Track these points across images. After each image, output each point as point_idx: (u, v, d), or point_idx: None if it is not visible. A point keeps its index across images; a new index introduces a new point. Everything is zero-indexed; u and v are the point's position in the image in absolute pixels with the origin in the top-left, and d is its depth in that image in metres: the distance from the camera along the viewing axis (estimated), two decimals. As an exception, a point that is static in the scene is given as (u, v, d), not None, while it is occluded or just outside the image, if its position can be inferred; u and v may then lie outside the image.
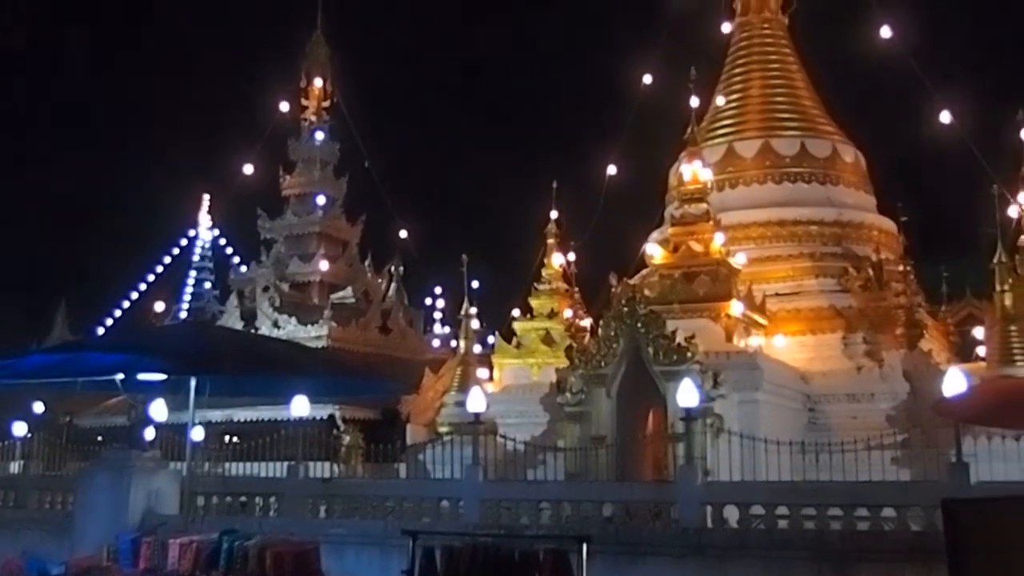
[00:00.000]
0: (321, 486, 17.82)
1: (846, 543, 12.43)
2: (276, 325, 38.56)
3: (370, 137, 45.33)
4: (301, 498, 17.37)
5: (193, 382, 12.40)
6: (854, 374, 23.90)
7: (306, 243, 43.35)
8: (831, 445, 16.88)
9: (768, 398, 21.72)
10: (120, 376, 11.60)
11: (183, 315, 49.23)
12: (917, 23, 32.00)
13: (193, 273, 52.96)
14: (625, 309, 21.40)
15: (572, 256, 29.41)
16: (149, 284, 52.26)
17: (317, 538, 11.17)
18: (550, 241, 28.60)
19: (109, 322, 49.72)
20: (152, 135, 55.29)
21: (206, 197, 53.72)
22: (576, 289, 28.91)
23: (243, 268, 44.97)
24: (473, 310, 30.03)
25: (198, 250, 53.86)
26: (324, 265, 42.16)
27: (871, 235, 28.18)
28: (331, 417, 31.70)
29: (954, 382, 13.08)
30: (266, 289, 40.64)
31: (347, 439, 28.08)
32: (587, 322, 27.00)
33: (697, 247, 24.27)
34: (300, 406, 16.49)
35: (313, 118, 45.68)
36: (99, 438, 29.01)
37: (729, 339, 22.73)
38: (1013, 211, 25.91)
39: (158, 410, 14.52)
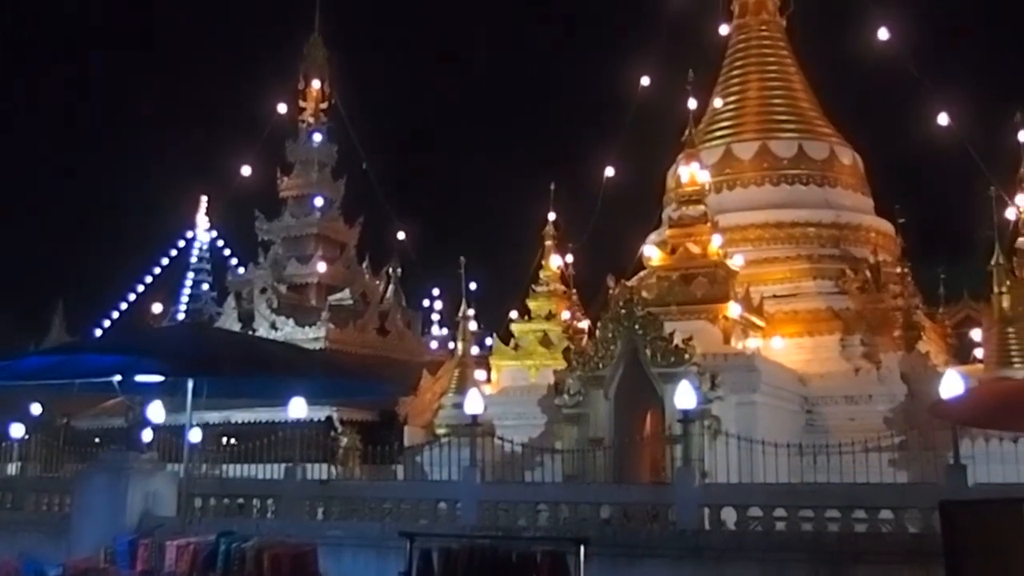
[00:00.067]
0: (319, 488, 17.83)
1: (844, 545, 12.43)
2: (274, 327, 38.54)
3: (368, 139, 45.42)
4: (299, 500, 17.38)
5: (191, 384, 12.38)
6: (852, 376, 23.91)
7: (304, 245, 43.34)
8: (829, 447, 16.89)
9: (766, 400, 21.72)
10: (118, 378, 11.58)
11: (181, 317, 49.19)
12: (915, 25, 32.10)
13: (191, 275, 52.93)
14: (623, 311, 21.39)
15: (570, 258, 29.42)
16: (147, 285, 52.23)
17: (314, 540, 11.17)
18: (548, 243, 28.61)
19: (107, 323, 49.71)
20: (150, 136, 55.23)
21: (204, 198, 53.76)
22: (574, 291, 28.91)
23: (241, 270, 44.92)
24: (471, 312, 30.00)
25: (196, 252, 53.85)
26: (322, 267, 42.15)
27: (869, 237, 28.21)
28: (329, 419, 31.69)
29: (952, 384, 13.08)
30: (264, 291, 40.60)
31: (345, 441, 28.03)
32: (585, 324, 27.00)
33: (695, 249, 24.28)
34: (298, 408, 16.48)
35: (311, 120, 45.67)
36: (96, 440, 28.95)
37: (727, 341, 22.74)
38: (1011, 213, 25.94)
39: (155, 412, 14.51)
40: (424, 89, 65.72)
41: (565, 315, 27.82)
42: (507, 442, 18.99)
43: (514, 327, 28.10)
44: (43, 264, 51.61)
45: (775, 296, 25.97)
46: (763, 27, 32.05)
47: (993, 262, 23.36)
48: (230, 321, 39.73)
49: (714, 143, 29.80)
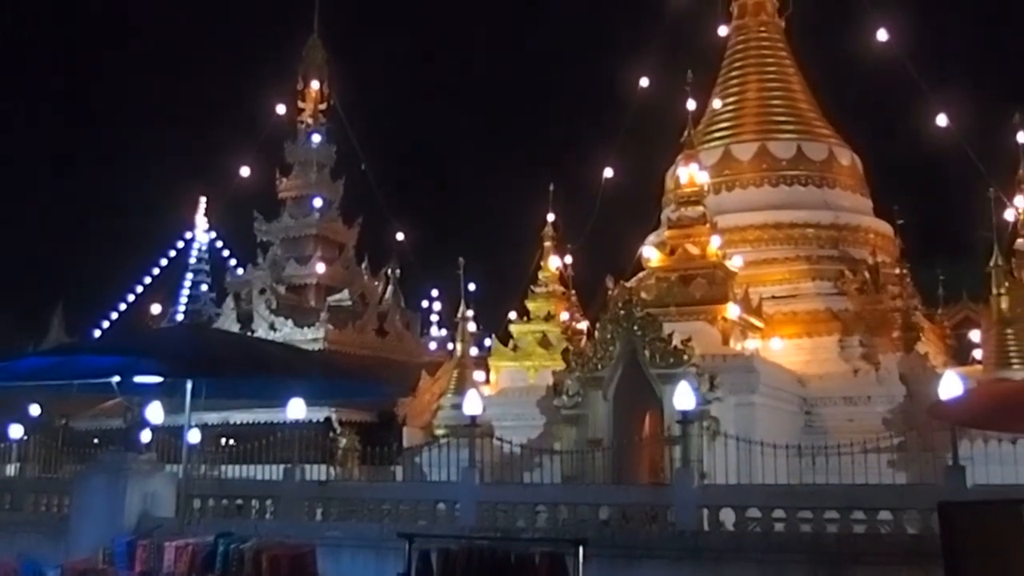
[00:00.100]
0: (317, 489, 17.84)
1: (842, 546, 12.44)
2: (272, 327, 38.51)
3: (367, 140, 45.40)
4: (297, 501, 17.37)
5: (189, 385, 12.38)
6: (850, 377, 23.90)
7: (303, 246, 43.33)
8: (827, 448, 16.89)
9: (764, 401, 21.73)
10: (116, 378, 11.58)
11: (179, 317, 49.20)
12: (913, 26, 32.10)
13: (189, 275, 52.95)
14: (622, 312, 21.40)
15: (569, 259, 29.42)
16: (146, 286, 52.27)
17: (313, 541, 11.17)
18: (547, 244, 28.62)
19: (106, 324, 49.73)
20: (149, 137, 55.20)
21: (203, 199, 53.82)
22: (573, 292, 28.92)
23: (239, 271, 44.90)
24: (470, 313, 30.02)
25: (194, 252, 53.88)
26: (321, 268, 42.15)
27: (868, 238, 28.21)
28: (327, 420, 31.66)
29: (950, 385, 13.09)
30: (262, 291, 40.58)
31: (343, 442, 28.04)
32: (583, 325, 26.99)
33: (693, 250, 24.28)
34: (296, 409, 16.47)
35: (310, 121, 45.67)
36: (95, 440, 28.91)
37: (725, 342, 22.74)
38: (1009, 214, 25.94)
39: (154, 412, 14.50)
40: (423, 90, 65.75)
41: (564, 316, 27.83)
42: (506, 443, 18.99)
43: (513, 328, 28.10)
44: (42, 265, 51.68)
45: (774, 297, 25.96)
46: (762, 28, 32.05)
47: (992, 263, 23.39)
48: (229, 322, 39.71)
49: (713, 144, 29.80)
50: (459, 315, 29.58)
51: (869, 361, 24.10)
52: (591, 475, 19.09)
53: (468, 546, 9.56)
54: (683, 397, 15.80)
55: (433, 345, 45.01)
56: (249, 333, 36.40)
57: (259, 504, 17.92)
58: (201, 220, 53.91)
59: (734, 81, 31.44)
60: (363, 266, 44.45)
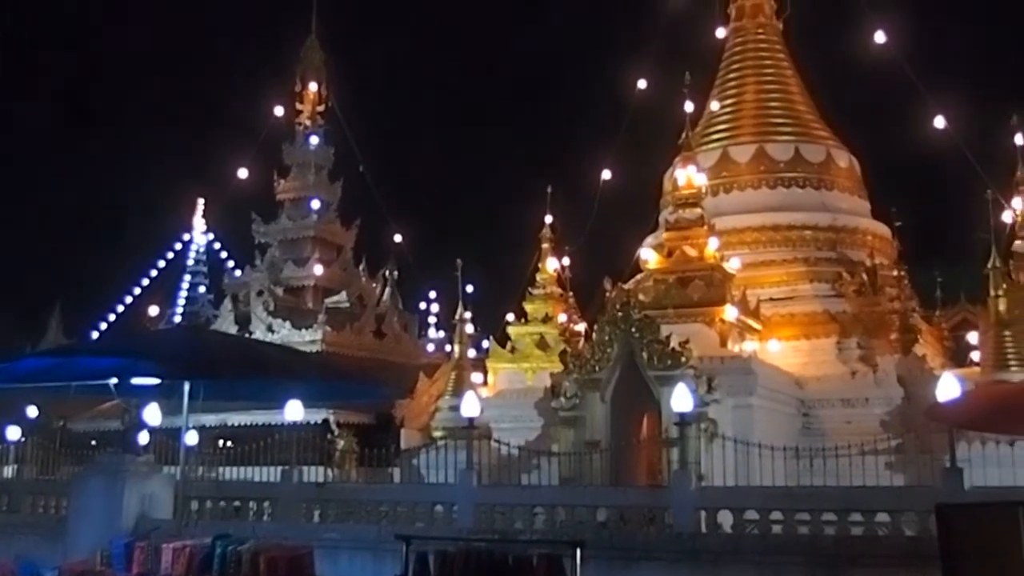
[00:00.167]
0: (315, 491, 17.81)
1: (840, 548, 12.44)
2: (270, 329, 38.53)
3: (365, 141, 45.44)
4: (295, 503, 17.35)
5: (187, 386, 12.37)
6: (848, 379, 23.92)
7: (301, 247, 43.33)
8: (825, 450, 16.90)
9: (762, 403, 21.73)
10: (114, 380, 11.56)
11: (177, 319, 49.22)
12: (911, 28, 32.14)
13: (187, 277, 52.98)
14: (619, 314, 21.41)
15: (566, 260, 29.44)
16: (143, 288, 52.34)
17: (311, 543, 11.14)
18: (545, 245, 28.64)
19: (103, 326, 49.78)
20: (147, 138, 55.20)
21: (201, 201, 53.86)
22: (570, 293, 28.95)
23: (237, 272, 44.92)
24: (467, 314, 30.00)
25: (192, 254, 53.90)
26: (319, 269, 42.17)
27: (865, 240, 28.22)
28: (325, 421, 31.65)
29: (948, 387, 13.07)
30: (260, 293, 40.60)
31: (341, 443, 28.04)
32: (581, 327, 27.01)
33: (691, 252, 24.28)
34: (294, 410, 16.47)
35: (308, 122, 45.68)
36: (93, 442, 28.88)
37: (723, 344, 22.74)
38: (1007, 216, 25.98)
39: (152, 414, 14.50)
40: (420, 91, 65.77)
41: (562, 318, 27.84)
42: (503, 445, 18.98)
43: (511, 330, 28.10)
44: (40, 266, 51.62)
45: (772, 299, 25.96)
46: (760, 30, 32.05)
47: (990, 265, 23.42)
48: (226, 324, 39.73)
49: (711, 146, 29.81)
50: (457, 317, 29.56)
51: (867, 363, 24.11)
52: (589, 477, 19.09)
53: (466, 548, 9.55)
54: (681, 399, 15.80)
55: (431, 347, 45.06)
56: (247, 335, 36.43)
57: (257, 506, 17.90)
58: (199, 222, 53.95)
59: (732, 83, 31.45)
60: (361, 268, 44.47)
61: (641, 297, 23.06)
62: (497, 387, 27.09)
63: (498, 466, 19.40)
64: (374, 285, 44.65)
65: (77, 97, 62.10)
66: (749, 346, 23.74)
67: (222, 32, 60.78)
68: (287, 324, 38.65)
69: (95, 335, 46.67)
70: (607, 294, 23.99)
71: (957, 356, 27.32)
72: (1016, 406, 10.84)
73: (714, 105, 31.11)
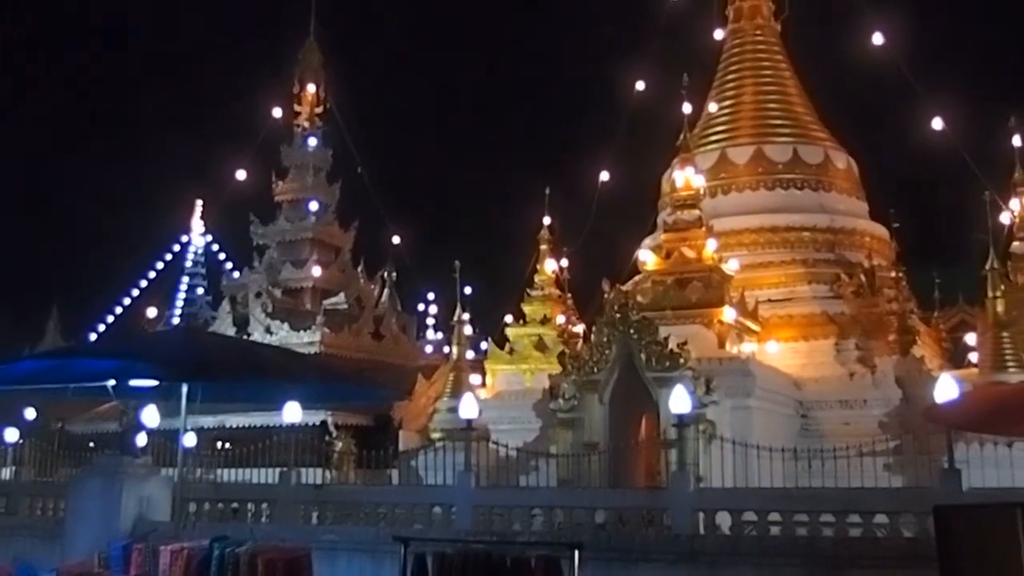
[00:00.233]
0: (313, 492, 17.80)
1: (838, 549, 12.45)
2: (269, 331, 38.51)
3: (363, 143, 45.44)
4: (293, 504, 17.34)
5: (185, 388, 12.36)
6: (846, 380, 23.93)
7: (299, 249, 43.32)
8: (823, 451, 16.90)
9: (761, 404, 21.72)
10: (112, 382, 11.55)
11: (175, 321, 49.22)
12: (909, 30, 32.14)
13: (186, 279, 52.98)
14: (618, 315, 21.40)
15: (565, 262, 29.43)
16: (142, 290, 52.31)
17: (309, 545, 11.13)
18: (543, 247, 28.63)
19: (101, 328, 49.73)
20: (145, 140, 55.27)
21: (199, 203, 53.86)
22: (569, 295, 28.95)
23: (236, 274, 44.92)
24: (466, 316, 29.97)
25: (191, 256, 53.90)
26: (317, 271, 42.16)
27: (863, 241, 28.21)
28: (323, 423, 31.61)
29: (946, 388, 13.09)
30: (259, 295, 40.61)
31: (339, 445, 28.00)
32: (580, 328, 27.02)
33: (690, 253, 24.27)
34: (292, 412, 16.45)
35: (306, 124, 45.68)
36: (91, 444, 28.85)
37: (722, 345, 22.73)
38: (1005, 217, 25.99)
39: (150, 416, 14.50)
40: (419, 93, 65.78)
41: (560, 319, 27.83)
42: (502, 446, 18.96)
43: (509, 331, 28.09)
44: (38, 268, 51.64)
45: (770, 300, 25.95)
46: (758, 32, 32.05)
47: (988, 266, 23.40)
48: (225, 325, 39.74)
49: (709, 147, 29.79)
50: (455, 318, 29.53)
51: (865, 364, 24.12)
52: (587, 478, 19.08)
53: (464, 550, 9.55)
54: (679, 400, 15.79)
55: (429, 348, 45.09)
56: (245, 337, 36.41)
57: (255, 508, 17.89)
58: (197, 223, 53.96)
59: (730, 84, 31.45)
60: (359, 269, 44.47)
61: (639, 298, 23.05)
62: (495, 389, 27.08)
63: (496, 468, 19.39)
64: (372, 287, 44.66)
65: (76, 99, 62.16)
66: (747, 347, 23.74)
67: (221, 33, 60.83)
68: (285, 326, 38.64)
69: (93, 337, 46.65)
70: (605, 295, 23.97)
71: (955, 357, 27.31)
72: (1014, 407, 10.84)
73: (712, 106, 31.11)
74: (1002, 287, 23.36)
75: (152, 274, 53.20)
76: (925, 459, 17.00)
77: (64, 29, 64.05)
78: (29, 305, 45.28)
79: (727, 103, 31.10)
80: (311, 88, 46.23)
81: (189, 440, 17.35)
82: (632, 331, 21.08)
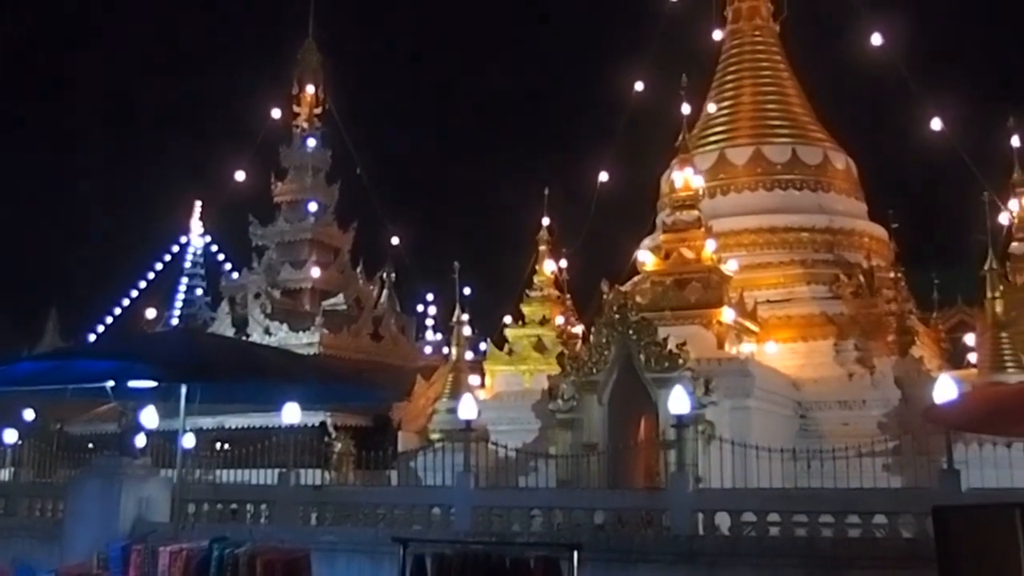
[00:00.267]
0: (312, 493, 17.78)
1: (837, 550, 12.45)
2: (267, 332, 38.51)
3: (362, 144, 45.47)
4: (292, 505, 17.33)
5: (184, 389, 12.35)
6: (845, 381, 23.93)
7: (298, 250, 43.34)
8: (822, 452, 16.90)
9: (759, 405, 21.73)
10: (111, 383, 11.54)
11: (174, 322, 49.25)
12: (908, 31, 32.15)
13: (184, 280, 53.02)
14: (617, 316, 21.40)
15: (564, 263, 29.44)
16: (140, 291, 52.35)
17: (308, 546, 11.12)
18: (542, 248, 28.63)
19: (100, 329, 49.74)
20: (144, 141, 55.26)
21: (198, 204, 53.87)
22: (568, 296, 28.95)
23: (235, 275, 44.95)
24: (465, 317, 29.98)
25: (190, 257, 53.94)
26: (316, 272, 42.17)
27: (862, 242, 28.22)
28: (322, 424, 31.63)
29: (945, 389, 13.08)
30: (257, 296, 40.62)
31: (338, 446, 28.02)
32: (579, 329, 27.01)
33: (689, 254, 24.27)
34: (291, 413, 16.45)
35: (305, 125, 45.71)
36: (90, 445, 28.87)
37: (720, 346, 22.73)
38: (1004, 218, 25.98)
39: (148, 417, 14.48)
40: (418, 93, 65.81)
41: (559, 320, 27.83)
42: (501, 447, 18.97)
43: (508, 332, 28.10)
44: (37, 269, 51.61)
45: (769, 301, 25.95)
46: (756, 32, 32.05)
47: (987, 267, 23.42)
48: (224, 326, 39.75)
49: (708, 148, 29.80)
50: (454, 319, 29.54)
51: (864, 365, 24.12)
52: (586, 479, 19.08)
53: (463, 551, 9.54)
54: (678, 401, 15.78)
55: (428, 349, 45.11)
56: (244, 337, 36.40)
57: (254, 509, 17.86)
58: (196, 224, 53.97)
59: (729, 85, 31.45)
60: (358, 270, 44.49)
61: (638, 299, 23.04)
62: (494, 389, 27.07)
63: (495, 468, 19.39)
64: (371, 287, 44.66)
65: (75, 99, 62.14)
66: (746, 348, 23.75)
67: (220, 34, 60.84)
68: (284, 327, 38.65)
69: (92, 338, 46.63)
70: (604, 296, 23.98)
71: (954, 358, 27.31)
72: (1013, 408, 10.83)
73: (711, 107, 31.11)
74: (1001, 288, 23.38)
75: (151, 275, 53.29)
76: (924, 460, 17.01)
77: (64, 29, 64.05)
78: (28, 306, 45.31)
79: (726, 104, 31.10)
80: (310, 89, 46.26)
81: (188, 441, 17.34)
82: (631, 332, 21.09)
